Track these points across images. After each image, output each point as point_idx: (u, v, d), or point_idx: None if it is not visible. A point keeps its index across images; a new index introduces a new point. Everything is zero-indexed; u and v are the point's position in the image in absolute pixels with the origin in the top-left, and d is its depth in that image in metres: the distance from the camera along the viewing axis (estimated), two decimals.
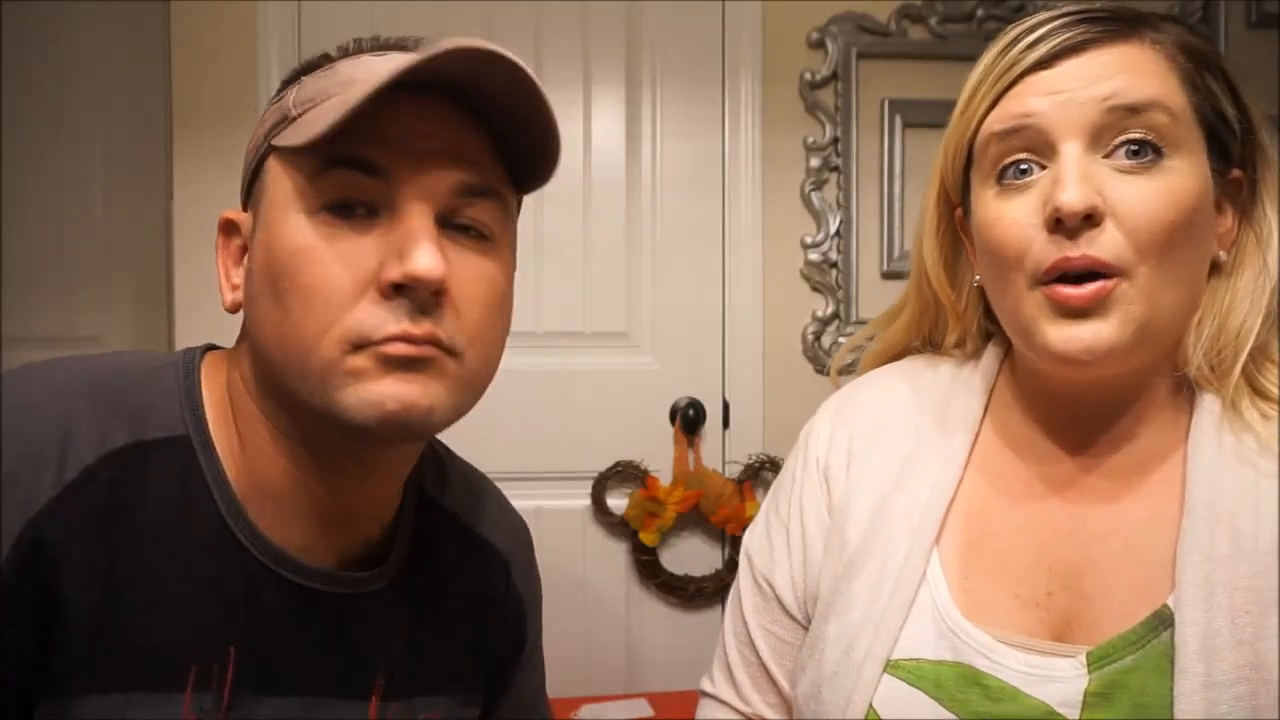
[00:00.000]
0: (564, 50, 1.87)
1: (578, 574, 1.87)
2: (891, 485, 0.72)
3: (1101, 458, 0.67)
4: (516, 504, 0.84)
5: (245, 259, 0.64)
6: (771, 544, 0.78)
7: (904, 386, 0.77)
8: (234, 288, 0.65)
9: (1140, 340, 0.61)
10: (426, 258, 0.56)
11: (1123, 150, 0.62)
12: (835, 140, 1.91)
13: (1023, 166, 0.64)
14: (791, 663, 0.75)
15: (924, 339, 0.81)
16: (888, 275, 1.92)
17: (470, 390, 0.62)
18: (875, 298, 1.91)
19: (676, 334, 1.90)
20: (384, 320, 0.56)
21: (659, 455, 1.86)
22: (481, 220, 0.61)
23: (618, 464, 1.85)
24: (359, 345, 0.56)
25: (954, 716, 0.63)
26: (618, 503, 1.86)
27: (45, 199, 1.89)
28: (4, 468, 0.56)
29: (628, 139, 1.90)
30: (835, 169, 1.91)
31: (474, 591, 0.76)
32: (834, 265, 1.92)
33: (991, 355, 0.75)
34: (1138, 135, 0.61)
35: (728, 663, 0.79)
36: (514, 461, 1.77)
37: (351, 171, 0.58)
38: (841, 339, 1.91)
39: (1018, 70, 0.65)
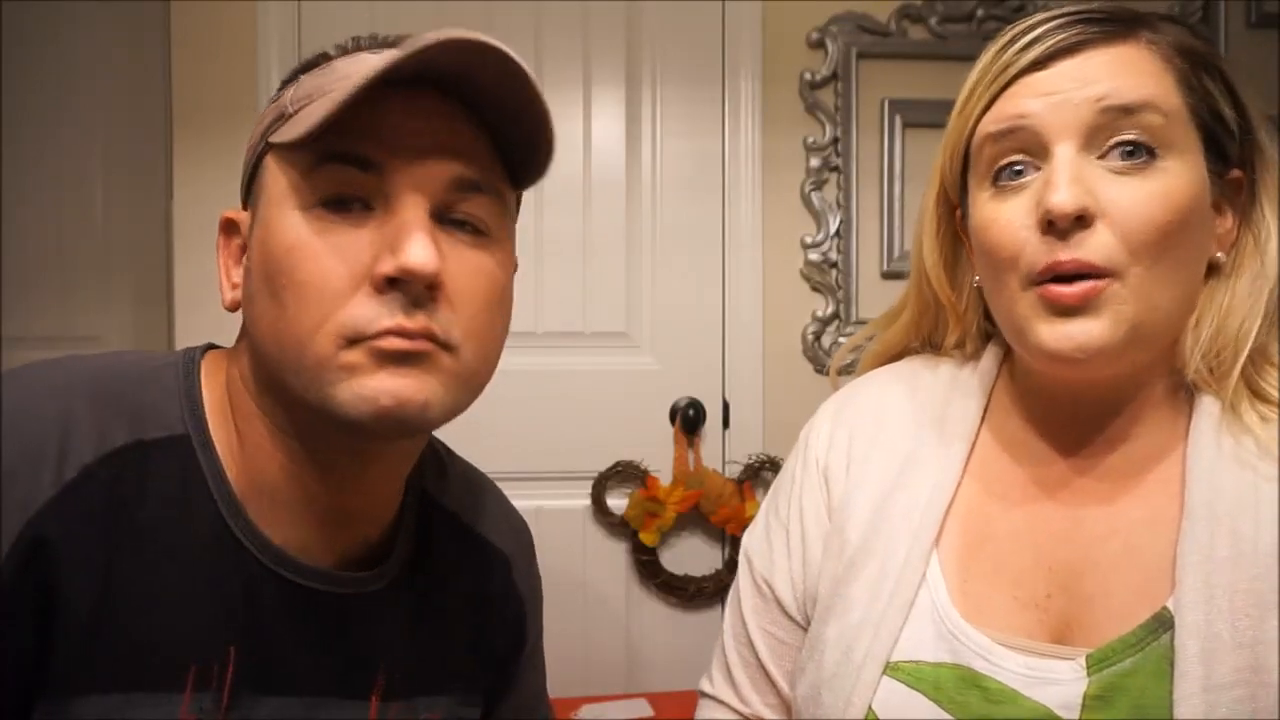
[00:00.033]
0: (564, 50, 1.87)
1: (578, 574, 1.87)
2: (891, 486, 0.71)
3: (1099, 459, 0.67)
4: (516, 504, 0.84)
5: (245, 258, 0.64)
6: (771, 545, 0.78)
7: (903, 387, 0.77)
8: (234, 286, 0.65)
9: (1133, 340, 0.61)
10: (419, 250, 0.55)
11: (1116, 151, 0.62)
12: (835, 140, 1.91)
13: (1017, 168, 0.64)
14: (791, 664, 0.74)
15: (924, 340, 0.80)
16: (888, 275, 1.91)
17: (467, 386, 0.61)
18: (875, 298, 1.91)
19: (676, 334, 1.90)
20: (378, 314, 0.56)
21: (659, 455, 1.86)
22: (478, 215, 0.61)
23: (618, 464, 1.85)
24: (353, 340, 0.56)
25: (953, 719, 0.63)
26: (618, 503, 1.86)
27: (45, 199, 1.89)
28: (4, 467, 0.56)
29: (628, 139, 1.89)
30: (835, 169, 1.91)
31: (474, 591, 0.76)
32: (834, 265, 1.92)
33: (991, 356, 0.75)
34: (1131, 136, 0.61)
35: (727, 663, 0.79)
36: (514, 461, 1.77)
37: (345, 166, 0.58)
38: (841, 339, 1.91)
39: (1013, 71, 0.65)
